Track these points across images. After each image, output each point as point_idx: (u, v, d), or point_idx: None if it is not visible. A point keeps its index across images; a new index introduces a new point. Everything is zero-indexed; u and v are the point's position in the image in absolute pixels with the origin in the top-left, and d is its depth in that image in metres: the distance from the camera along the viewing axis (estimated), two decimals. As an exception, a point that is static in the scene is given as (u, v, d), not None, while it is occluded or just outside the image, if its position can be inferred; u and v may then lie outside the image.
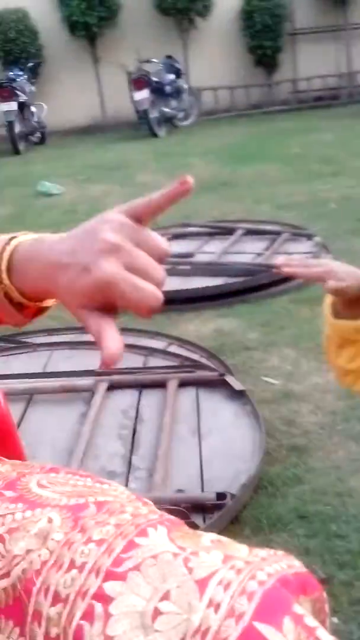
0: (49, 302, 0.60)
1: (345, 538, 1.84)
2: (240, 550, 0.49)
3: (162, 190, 0.56)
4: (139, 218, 0.54)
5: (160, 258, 0.54)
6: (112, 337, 0.51)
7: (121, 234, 0.52)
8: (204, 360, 2.73)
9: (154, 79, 10.10)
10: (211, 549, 0.48)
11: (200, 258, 3.95)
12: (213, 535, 0.51)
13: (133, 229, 0.53)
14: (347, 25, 11.92)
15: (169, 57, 10.75)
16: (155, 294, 0.52)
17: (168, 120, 10.55)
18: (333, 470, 2.13)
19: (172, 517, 0.53)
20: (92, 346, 2.81)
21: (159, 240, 0.54)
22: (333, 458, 2.20)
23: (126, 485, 1.99)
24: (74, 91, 11.38)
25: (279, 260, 0.90)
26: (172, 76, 10.55)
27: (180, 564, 0.46)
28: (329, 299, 0.97)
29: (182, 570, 0.45)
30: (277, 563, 0.48)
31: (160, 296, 0.53)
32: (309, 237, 4.30)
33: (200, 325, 3.25)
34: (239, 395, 2.43)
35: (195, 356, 2.80)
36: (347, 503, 1.98)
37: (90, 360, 2.51)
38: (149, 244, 0.53)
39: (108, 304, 0.52)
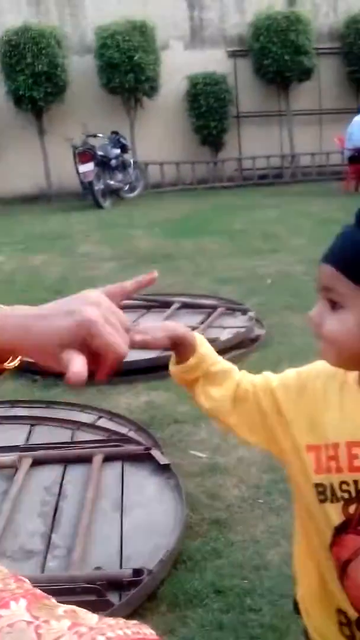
0: (11, 364, 0.68)
1: (259, 612, 1.86)
2: (91, 618, 0.54)
3: (134, 279, 0.73)
4: (112, 298, 0.66)
5: (125, 328, 0.65)
6: (80, 361, 0.60)
7: (101, 299, 0.64)
8: (132, 434, 2.77)
9: (100, 152, 10.44)
10: (62, 618, 0.53)
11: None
12: (69, 607, 0.56)
13: (108, 301, 0.65)
14: (289, 111, 12.58)
15: (115, 132, 11.14)
16: (124, 345, 0.62)
17: (113, 192, 10.84)
18: (252, 544, 2.17)
19: (38, 591, 0.58)
20: (17, 421, 2.83)
21: (124, 316, 0.66)
22: (253, 532, 2.24)
23: (44, 564, 1.99)
24: (19, 161, 11.62)
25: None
26: (117, 151, 10.91)
27: (32, 631, 0.51)
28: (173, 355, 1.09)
29: (32, 636, 0.51)
30: (122, 629, 0.53)
31: (127, 351, 0.63)
32: (244, 311, 4.43)
33: (131, 398, 3.29)
34: (164, 469, 2.47)
35: (124, 429, 2.83)
36: (263, 576, 2.01)
37: (14, 436, 2.52)
38: (118, 315, 0.64)
39: (83, 345, 0.61)
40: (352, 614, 1.00)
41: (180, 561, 2.08)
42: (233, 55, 12.64)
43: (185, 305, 4.54)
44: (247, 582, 1.99)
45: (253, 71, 12.36)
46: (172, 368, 1.09)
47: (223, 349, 3.77)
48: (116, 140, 11.06)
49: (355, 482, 0.96)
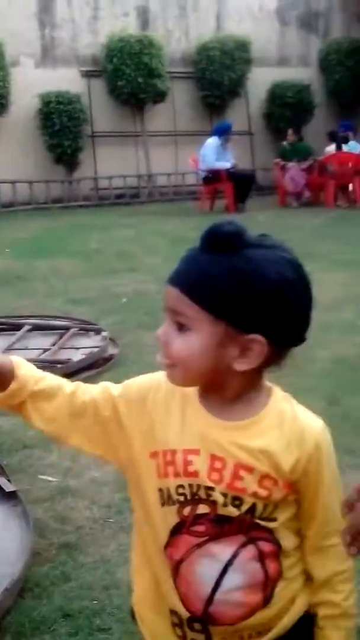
0: None
1: (108, 631, 1.86)
2: None
3: None
4: None
5: None
6: None
7: None
8: (-23, 462, 2.68)
9: None
10: None
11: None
12: None
13: None
14: (144, 131, 12.82)
15: (-35, 150, 10.79)
16: None
17: None
18: (102, 564, 2.16)
19: None
20: None
21: None
22: (103, 552, 2.23)
23: None
24: None
25: None
26: (-34, 169, 10.58)
27: None
28: None
29: None
30: None
31: None
32: (97, 331, 4.44)
33: (-23, 423, 3.19)
34: (9, 497, 2.41)
35: (-30, 458, 2.73)
36: (112, 595, 2.01)
37: None
38: None
39: None
40: (184, 613, 1.06)
41: (27, 589, 2.03)
42: (87, 75, 12.71)
43: (36, 327, 4.47)
44: (96, 603, 1.99)
45: (107, 91, 12.50)
46: None
47: (76, 370, 3.77)
48: (-34, 157, 10.74)
49: (190, 485, 1.03)
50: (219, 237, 0.98)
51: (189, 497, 1.03)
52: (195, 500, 1.03)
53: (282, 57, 14.30)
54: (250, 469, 1.01)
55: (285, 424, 1.04)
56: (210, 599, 1.03)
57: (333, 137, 11.82)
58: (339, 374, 3.71)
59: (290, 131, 11.88)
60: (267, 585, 1.05)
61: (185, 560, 1.04)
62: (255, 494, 1.02)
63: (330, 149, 11.44)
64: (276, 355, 1.02)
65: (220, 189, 11.01)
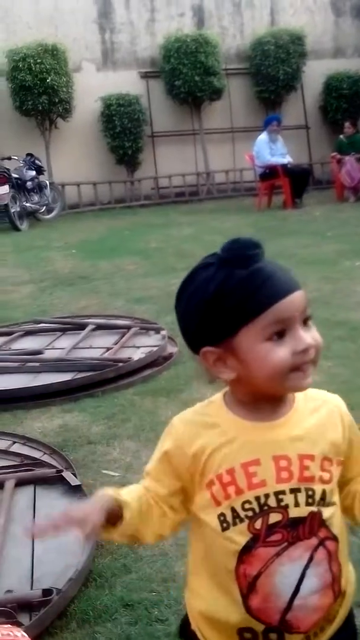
0: None
1: (165, 622, 1.95)
2: None
3: None
4: None
5: None
6: None
7: None
8: (45, 458, 2.82)
9: (15, 175, 10.42)
10: None
11: (49, 354, 4.07)
12: None
13: None
14: (202, 129, 12.89)
15: (30, 154, 11.14)
16: None
17: (30, 214, 10.82)
18: (161, 558, 2.26)
19: None
20: None
21: None
22: (162, 545, 2.32)
23: None
24: None
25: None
26: (33, 172, 10.92)
27: None
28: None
29: None
30: None
31: None
32: (157, 330, 4.54)
33: (45, 422, 3.34)
34: (75, 490, 2.53)
35: (38, 453, 2.88)
36: (170, 588, 2.10)
37: None
38: None
39: None
40: (259, 627, 1.08)
41: (91, 579, 2.15)
42: (145, 76, 12.89)
43: (99, 327, 4.62)
44: (155, 595, 2.08)
45: (165, 91, 12.63)
46: (109, 534, 1.10)
47: (137, 368, 3.89)
48: (31, 162, 11.06)
49: (257, 498, 1.05)
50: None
51: (257, 510, 1.05)
52: (264, 511, 1.04)
53: (337, 48, 14.12)
54: (311, 457, 1.06)
55: (317, 406, 1.12)
56: (288, 607, 1.06)
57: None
58: None
59: (347, 124, 11.68)
60: (335, 584, 1.10)
61: (264, 572, 1.05)
62: (321, 479, 1.07)
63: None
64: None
65: (278, 185, 10.98)
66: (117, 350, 4.15)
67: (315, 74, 13.40)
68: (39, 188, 11.09)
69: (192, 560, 1.18)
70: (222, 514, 1.06)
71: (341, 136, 11.75)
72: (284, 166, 10.68)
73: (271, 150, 10.86)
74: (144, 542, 1.16)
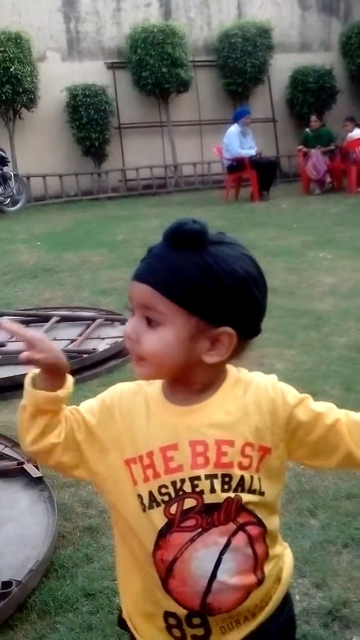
0: None
1: (126, 610, 1.96)
2: None
3: None
4: None
5: None
6: None
7: None
8: (6, 451, 2.79)
9: (-23, 166, 10.26)
10: None
11: (12, 347, 4.03)
12: None
13: None
14: (169, 122, 12.85)
15: (-6, 145, 10.97)
16: None
17: (-6, 207, 10.68)
18: (123, 547, 2.26)
19: None
20: None
21: None
22: (124, 535, 2.33)
23: None
24: None
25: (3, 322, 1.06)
26: (-5, 164, 10.77)
27: None
28: (30, 373, 1.10)
29: None
30: None
31: None
32: (123, 321, 4.52)
33: (8, 415, 3.31)
34: (37, 483, 2.52)
35: (-1, 446, 2.85)
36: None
37: None
38: None
39: None
40: (181, 611, 1.08)
41: (52, 570, 2.14)
42: (112, 67, 12.79)
43: (64, 319, 4.58)
44: (116, 583, 2.03)
45: (132, 83, 12.55)
46: (39, 392, 1.07)
47: (102, 360, 3.87)
48: (-6, 153, 10.92)
49: (174, 483, 1.05)
50: (185, 235, 1.01)
51: (173, 495, 1.04)
52: (179, 496, 1.04)
53: (303, 42, 14.18)
54: (230, 442, 1.05)
55: (244, 390, 1.09)
56: (207, 591, 1.06)
57: (355, 122, 11.68)
58: (357, 361, 3.75)
59: (313, 117, 11.77)
60: (257, 567, 1.09)
61: (179, 558, 1.05)
62: (240, 465, 1.05)
63: (352, 135, 11.32)
64: (240, 347, 1.06)
65: (245, 177, 11.01)
66: (81, 341, 4.13)
67: (282, 67, 13.45)
68: (3, 180, 10.94)
69: (119, 549, 1.17)
70: (140, 496, 1.06)
71: (307, 130, 11.83)
72: (251, 158, 10.71)
73: (241, 143, 10.89)
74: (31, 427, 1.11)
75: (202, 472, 1.05)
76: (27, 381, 1.09)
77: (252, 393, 1.09)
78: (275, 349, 3.89)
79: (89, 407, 1.13)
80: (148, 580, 1.10)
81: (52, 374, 1.08)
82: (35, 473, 2.54)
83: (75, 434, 1.10)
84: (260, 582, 1.10)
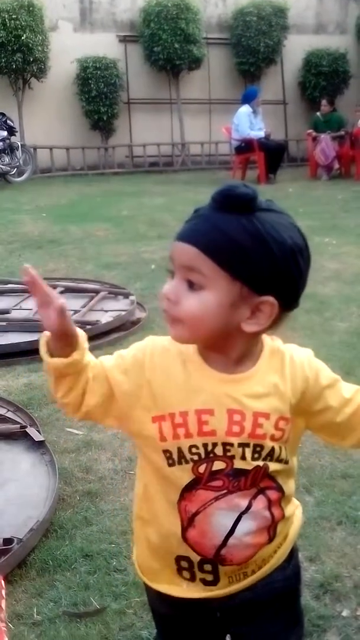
0: None
1: (123, 572, 2.01)
2: None
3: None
4: None
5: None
6: None
7: None
8: (9, 414, 2.83)
9: (-15, 135, 10.21)
10: None
11: (16, 314, 4.06)
12: None
13: None
14: (179, 99, 12.76)
15: (2, 114, 10.91)
16: None
17: (0, 176, 10.64)
18: (121, 512, 2.30)
19: None
20: None
21: None
22: (122, 500, 2.37)
23: None
24: None
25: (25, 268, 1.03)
26: (4, 133, 10.72)
27: None
28: (43, 340, 1.10)
29: None
30: None
31: None
32: (126, 295, 4.55)
33: (10, 380, 3.34)
34: (39, 446, 2.56)
35: (1, 410, 2.89)
36: (129, 540, 2.13)
37: None
38: None
39: None
40: (195, 557, 1.13)
41: (52, 530, 2.19)
42: (124, 40, 12.66)
43: (68, 290, 4.60)
44: (114, 546, 2.13)
45: (143, 57, 12.44)
46: (56, 360, 1.07)
47: (104, 332, 3.90)
48: (3, 122, 10.84)
49: (205, 445, 1.06)
50: (235, 198, 0.98)
51: (203, 455, 1.06)
52: (209, 457, 1.06)
53: (319, 24, 14.04)
54: (266, 415, 1.07)
55: (281, 362, 1.11)
56: (223, 544, 1.11)
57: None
58: (357, 346, 3.78)
59: (324, 102, 11.68)
60: (272, 527, 1.15)
61: (202, 512, 1.09)
62: (272, 437, 1.08)
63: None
64: (279, 318, 1.05)
65: (252, 159, 10.96)
66: (85, 313, 4.15)
67: (295, 48, 13.33)
68: (10, 149, 10.88)
69: (141, 492, 1.20)
70: (168, 451, 1.07)
71: (317, 114, 11.76)
72: (259, 140, 10.67)
73: (251, 124, 10.83)
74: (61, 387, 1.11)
75: (235, 440, 1.07)
76: (43, 349, 1.09)
77: (289, 368, 1.11)
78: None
79: (119, 361, 1.12)
80: (167, 527, 1.13)
81: (65, 336, 1.07)
82: (37, 437, 2.58)
83: (102, 385, 1.11)
84: (270, 540, 1.16)
